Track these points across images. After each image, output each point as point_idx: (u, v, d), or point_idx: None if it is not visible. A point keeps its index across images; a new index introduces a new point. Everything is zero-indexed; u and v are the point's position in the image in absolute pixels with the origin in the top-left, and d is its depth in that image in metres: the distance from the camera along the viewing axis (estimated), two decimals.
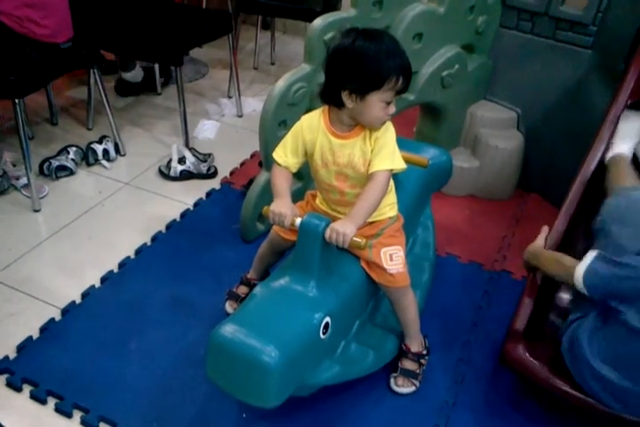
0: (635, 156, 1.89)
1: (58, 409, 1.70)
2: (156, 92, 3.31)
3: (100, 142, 2.75)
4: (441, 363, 1.88)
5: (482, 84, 2.57)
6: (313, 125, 1.58)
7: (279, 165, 1.62)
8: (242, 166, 2.78)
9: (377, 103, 1.45)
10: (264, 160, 2.15)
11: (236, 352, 1.38)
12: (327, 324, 1.50)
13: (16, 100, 2.31)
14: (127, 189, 2.62)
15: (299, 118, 1.63)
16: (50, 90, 2.93)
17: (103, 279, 2.12)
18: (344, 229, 1.46)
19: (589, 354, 1.51)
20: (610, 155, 1.90)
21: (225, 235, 2.33)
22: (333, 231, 1.47)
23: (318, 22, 1.99)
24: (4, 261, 2.19)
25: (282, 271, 1.60)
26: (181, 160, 2.67)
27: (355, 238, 1.47)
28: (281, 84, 2.01)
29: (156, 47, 2.76)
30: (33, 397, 1.73)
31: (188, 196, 2.56)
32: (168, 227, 2.38)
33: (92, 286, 2.09)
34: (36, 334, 1.91)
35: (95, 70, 2.68)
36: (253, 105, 3.24)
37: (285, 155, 1.61)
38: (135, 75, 3.20)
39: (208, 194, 2.58)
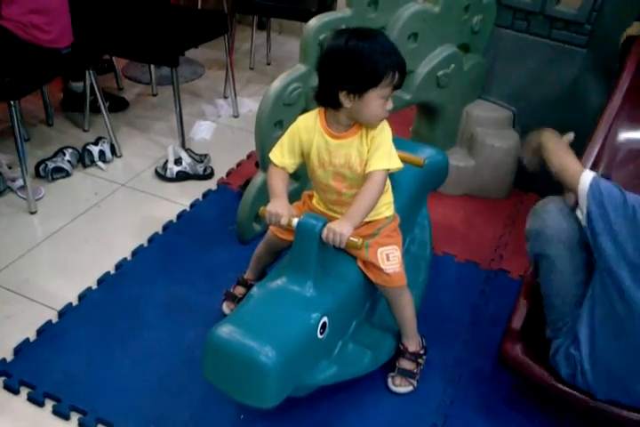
0: None
1: (55, 412, 1.70)
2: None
3: (95, 144, 2.74)
4: (438, 362, 1.88)
5: (477, 84, 2.57)
6: (309, 126, 1.58)
7: (275, 165, 1.62)
8: (238, 167, 2.77)
9: (375, 100, 1.46)
10: (260, 161, 2.15)
11: (234, 353, 1.38)
12: (324, 324, 1.50)
13: (11, 102, 2.31)
14: (123, 190, 2.62)
15: (295, 119, 1.63)
16: (45, 91, 2.92)
17: (100, 281, 2.11)
18: (341, 229, 1.46)
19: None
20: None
21: (222, 235, 2.33)
22: (330, 231, 1.47)
23: (313, 22, 1.99)
24: (1, 264, 2.18)
25: (279, 272, 1.60)
26: (177, 161, 2.67)
27: (351, 238, 1.47)
28: (276, 84, 2.01)
29: (152, 48, 2.76)
30: (30, 399, 1.73)
31: (184, 197, 2.56)
32: (165, 228, 2.38)
33: (89, 288, 2.09)
34: (32, 337, 1.91)
35: (91, 71, 2.68)
36: (249, 105, 3.24)
37: (282, 155, 1.61)
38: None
39: (204, 195, 2.58)
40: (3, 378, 1.78)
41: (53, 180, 2.61)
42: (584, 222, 1.48)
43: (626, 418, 1.53)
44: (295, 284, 1.53)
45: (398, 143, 1.59)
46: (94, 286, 2.10)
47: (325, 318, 1.49)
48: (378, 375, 1.79)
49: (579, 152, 1.95)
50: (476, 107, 2.59)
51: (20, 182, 2.50)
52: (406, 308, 1.73)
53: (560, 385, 1.59)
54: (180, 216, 2.44)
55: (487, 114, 2.57)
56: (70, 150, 2.69)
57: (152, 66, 3.25)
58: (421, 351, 1.81)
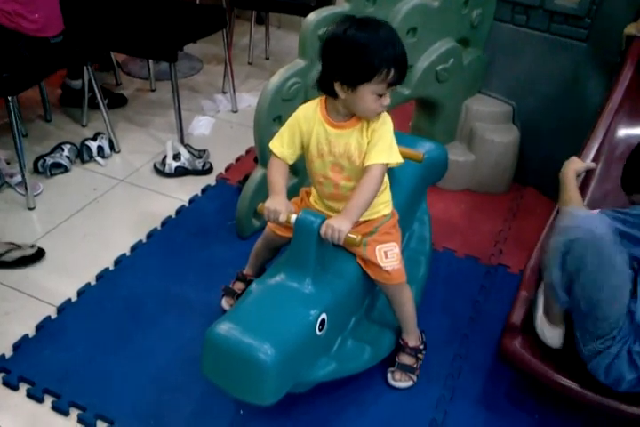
0: None
1: (55, 408, 1.70)
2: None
3: (94, 139, 2.73)
4: (438, 357, 1.87)
5: (477, 78, 2.56)
6: (309, 115, 1.57)
7: (276, 156, 1.61)
8: (237, 162, 2.77)
9: (368, 95, 1.43)
10: (259, 156, 2.15)
11: (232, 350, 1.38)
12: (323, 320, 1.49)
13: (9, 98, 2.30)
14: (122, 185, 2.61)
15: None
16: (43, 86, 2.92)
17: (99, 277, 2.11)
18: (339, 226, 1.45)
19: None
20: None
21: (221, 231, 2.33)
22: (329, 227, 1.46)
23: (312, 17, 1.98)
24: None
25: (277, 268, 1.59)
26: (176, 156, 2.66)
27: (350, 235, 1.46)
28: (275, 79, 2.00)
29: (151, 43, 2.74)
30: (29, 395, 1.73)
31: (183, 192, 2.56)
32: (163, 224, 2.37)
33: (88, 284, 2.09)
34: (32, 333, 1.91)
35: (88, 66, 2.67)
36: (248, 100, 3.23)
37: (282, 145, 1.60)
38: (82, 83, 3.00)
39: (203, 190, 2.57)
40: (2, 374, 1.78)
41: (52, 175, 2.61)
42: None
43: (625, 412, 1.53)
44: (294, 280, 1.52)
45: (397, 138, 1.57)
46: (93, 282, 2.10)
47: (324, 315, 1.49)
48: (377, 371, 1.79)
49: (579, 146, 1.96)
50: (476, 101, 2.58)
51: (18, 178, 2.49)
52: (406, 304, 1.73)
53: (560, 380, 1.58)
54: (178, 212, 2.44)
55: (487, 108, 2.56)
56: (69, 146, 2.69)
57: (151, 61, 3.24)
58: (421, 346, 1.81)
